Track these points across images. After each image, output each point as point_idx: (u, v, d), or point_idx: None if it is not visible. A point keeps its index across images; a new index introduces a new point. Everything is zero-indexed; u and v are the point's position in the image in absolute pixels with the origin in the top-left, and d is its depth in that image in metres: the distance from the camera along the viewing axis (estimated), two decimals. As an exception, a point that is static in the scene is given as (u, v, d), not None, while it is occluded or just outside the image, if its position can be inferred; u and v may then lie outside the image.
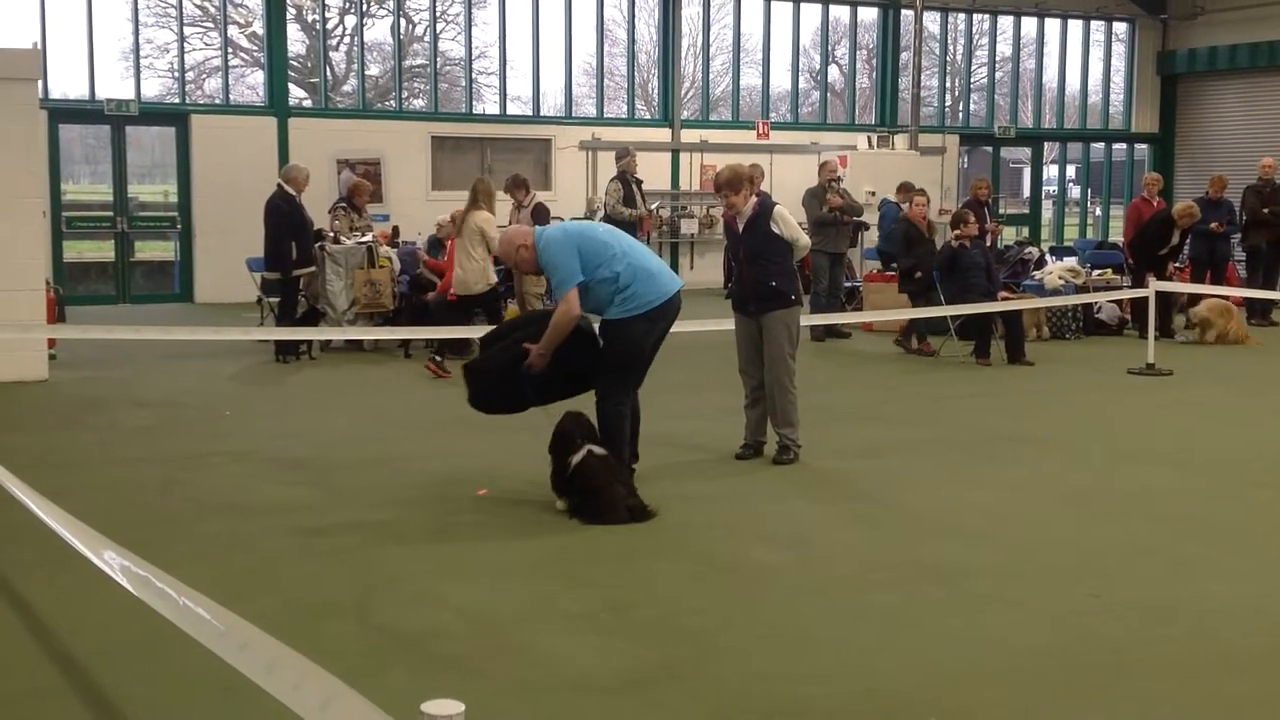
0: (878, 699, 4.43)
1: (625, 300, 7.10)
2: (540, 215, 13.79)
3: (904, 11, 22.68)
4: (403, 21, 20.60)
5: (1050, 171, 26.09)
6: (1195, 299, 14.71)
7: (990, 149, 24.53)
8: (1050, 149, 25.64)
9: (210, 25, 19.76)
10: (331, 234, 13.81)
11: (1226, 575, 5.88)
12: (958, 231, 12.99)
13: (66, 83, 18.36)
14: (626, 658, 4.81)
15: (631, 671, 4.67)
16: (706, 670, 4.66)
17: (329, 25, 20.52)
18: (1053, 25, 24.51)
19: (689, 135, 21.31)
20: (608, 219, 14.86)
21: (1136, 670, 4.69)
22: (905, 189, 17.01)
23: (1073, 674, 4.64)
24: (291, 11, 19.75)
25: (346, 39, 20.89)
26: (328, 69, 20.60)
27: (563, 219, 19.19)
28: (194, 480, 7.70)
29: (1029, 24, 24.36)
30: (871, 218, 17.27)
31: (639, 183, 14.91)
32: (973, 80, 24.77)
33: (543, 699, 4.38)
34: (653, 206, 14.66)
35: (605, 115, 21.46)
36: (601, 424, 7.13)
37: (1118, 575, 5.84)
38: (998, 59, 24.47)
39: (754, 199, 8.29)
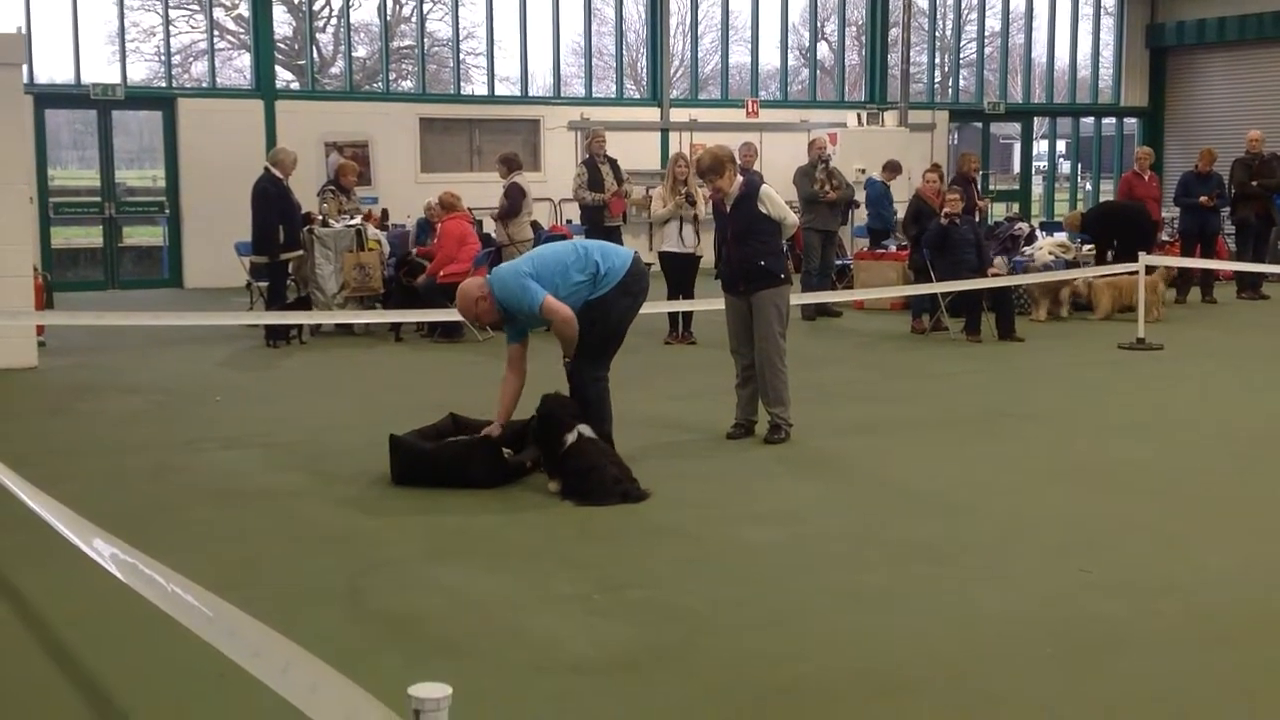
0: (871, 676, 4.44)
1: (602, 280, 7.17)
2: (513, 194, 13.63)
3: (893, -13, 22.64)
4: (389, 2, 20.50)
5: (1040, 147, 26.08)
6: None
7: (980, 125, 24.51)
8: (1040, 124, 25.63)
9: (196, 8, 19.64)
10: (320, 217, 13.76)
11: (1217, 548, 5.89)
12: (947, 209, 12.99)
13: (52, 67, 18.29)
14: (619, 638, 4.81)
15: (625, 652, 4.67)
16: (700, 650, 4.66)
17: (315, 6, 20.42)
18: (1041, -1, 24.48)
19: (678, 114, 21.26)
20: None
21: (1129, 644, 4.69)
22: (892, 167, 17.05)
23: (1066, 649, 4.64)
24: (277, -7, 19.66)
25: (333, 20, 20.80)
26: (314, 51, 20.51)
27: (551, 200, 19.24)
28: (185, 466, 7.69)
29: (1018, -2, 24.35)
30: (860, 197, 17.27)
31: (613, 162, 14.67)
32: (962, 56, 24.74)
33: (536, 681, 4.38)
34: (624, 186, 14.39)
35: (594, 95, 21.40)
36: (585, 401, 7.17)
37: (1109, 550, 5.85)
38: (987, 34, 24.43)
39: (740, 179, 8.27)
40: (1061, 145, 26.48)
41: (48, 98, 17.83)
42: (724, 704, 4.21)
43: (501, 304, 7.12)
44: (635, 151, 18.98)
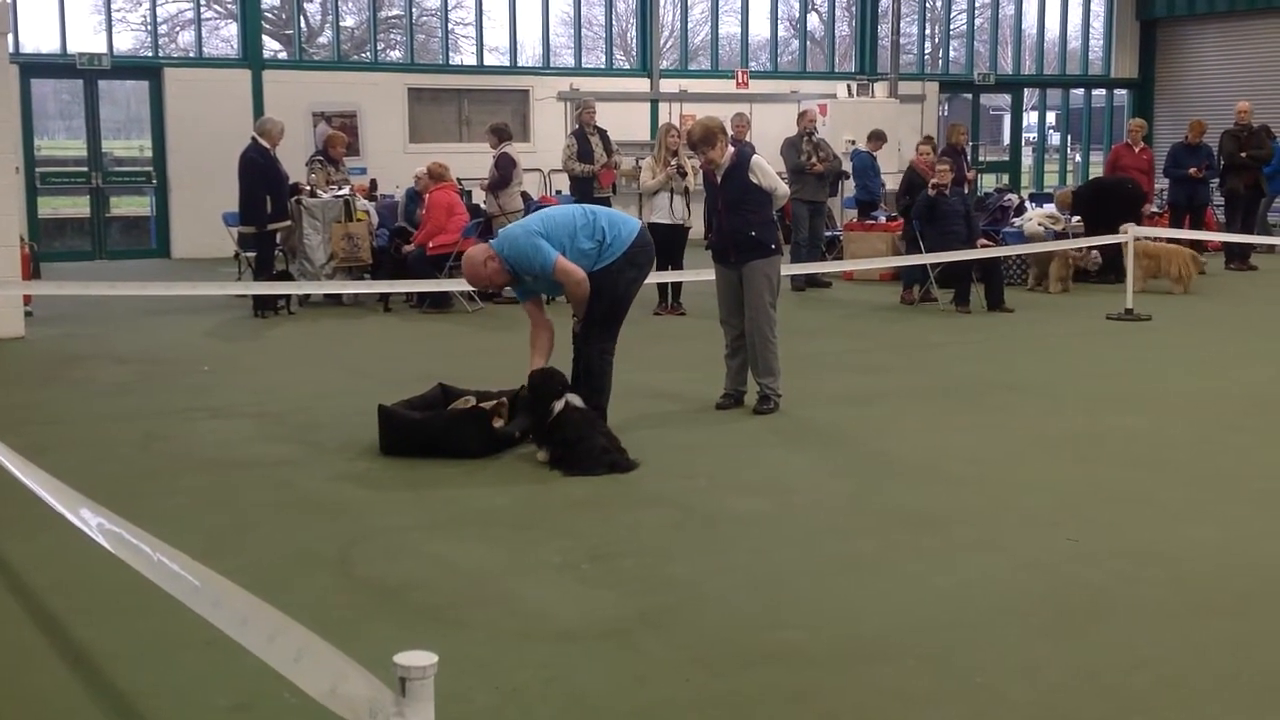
0: (858, 644, 4.45)
1: (608, 250, 7.11)
2: (503, 164, 13.58)
3: (883, -43, 22.53)
4: (377, -29, 20.37)
5: (1030, 118, 26.03)
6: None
7: (970, 96, 24.45)
8: (1030, 95, 25.56)
9: (182, -23, 19.52)
10: (309, 187, 13.70)
11: (1204, 519, 5.91)
12: (935, 180, 12.99)
13: (38, 37, 18.15)
14: (609, 607, 4.82)
15: (614, 620, 4.68)
16: (689, 618, 4.67)
17: (303, -24, 20.29)
18: (1032, -30, 24.38)
19: (668, 85, 21.17)
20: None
21: (1115, 614, 4.71)
22: (877, 136, 17.06)
23: (1052, 618, 4.66)
24: (264, -38, 19.52)
25: (320, -10, 20.67)
26: (302, 20, 20.37)
27: (541, 170, 19.17)
28: (174, 436, 7.68)
29: (1008, -31, 24.25)
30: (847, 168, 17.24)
31: (602, 133, 14.63)
32: (952, 27, 24.65)
33: (526, 648, 4.39)
34: (614, 157, 14.36)
35: (583, 65, 21.30)
36: (589, 372, 7.17)
37: (1096, 520, 5.87)
38: (977, 5, 24.35)
39: (731, 149, 8.25)
40: (1051, 117, 26.40)
41: (33, 67, 17.70)
42: (711, 671, 4.22)
43: (511, 264, 7.05)
44: (625, 122, 18.90)
